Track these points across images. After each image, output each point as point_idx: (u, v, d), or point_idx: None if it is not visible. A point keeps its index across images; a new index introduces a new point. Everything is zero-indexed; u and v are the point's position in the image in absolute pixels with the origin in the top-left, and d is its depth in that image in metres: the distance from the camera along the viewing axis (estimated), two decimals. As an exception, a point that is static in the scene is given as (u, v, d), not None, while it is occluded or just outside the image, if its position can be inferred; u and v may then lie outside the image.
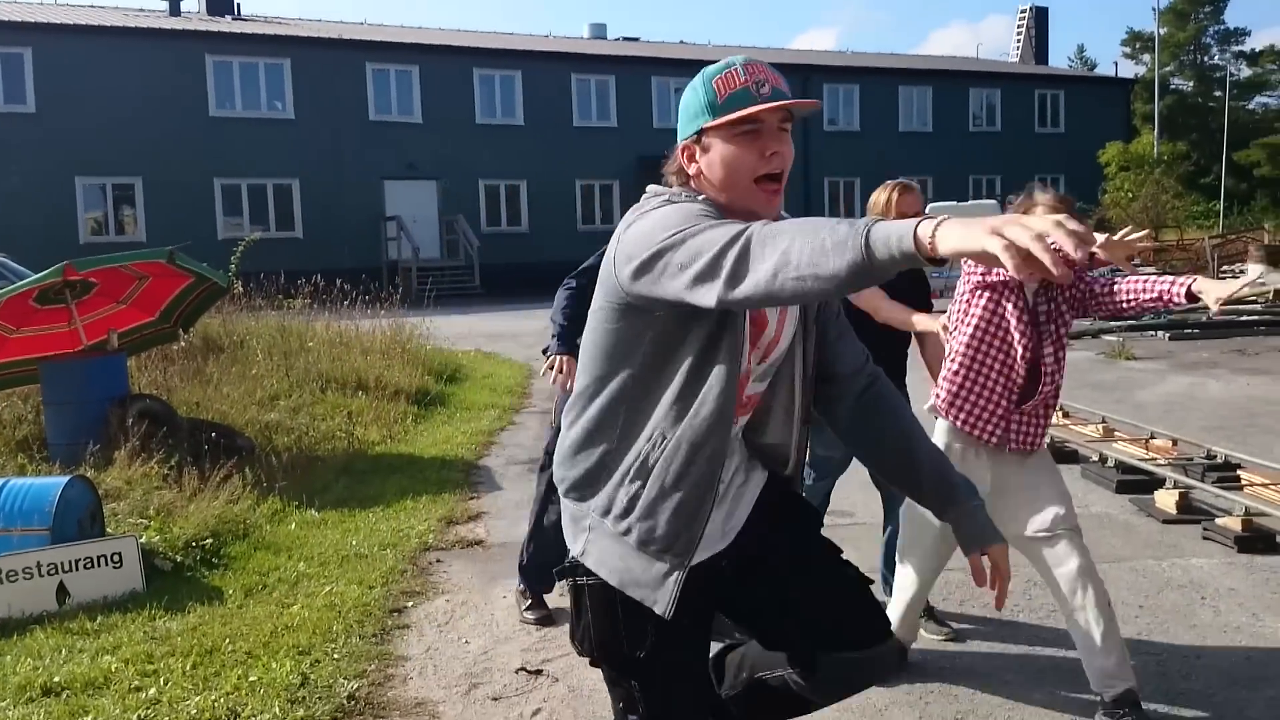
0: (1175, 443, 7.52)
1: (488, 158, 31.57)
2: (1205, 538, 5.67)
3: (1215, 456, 7.02)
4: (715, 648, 2.50)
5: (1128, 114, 44.75)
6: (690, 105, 2.15)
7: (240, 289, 12.18)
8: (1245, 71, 62.61)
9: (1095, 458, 7.38)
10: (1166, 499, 6.19)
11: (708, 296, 1.81)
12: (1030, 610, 4.68)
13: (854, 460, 4.38)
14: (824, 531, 2.47)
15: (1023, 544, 3.58)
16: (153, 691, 3.93)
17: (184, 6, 32.70)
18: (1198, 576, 5.10)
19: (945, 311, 3.86)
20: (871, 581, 2.43)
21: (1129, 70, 55.90)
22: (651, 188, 2.21)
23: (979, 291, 3.59)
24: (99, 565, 4.98)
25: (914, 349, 4.49)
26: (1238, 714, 3.67)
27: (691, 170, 2.15)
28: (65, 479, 5.47)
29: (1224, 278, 20.90)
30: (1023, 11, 47.01)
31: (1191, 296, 3.42)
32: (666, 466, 2.06)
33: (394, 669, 4.23)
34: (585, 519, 2.18)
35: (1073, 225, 1.53)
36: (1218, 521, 5.71)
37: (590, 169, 33.24)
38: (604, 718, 3.72)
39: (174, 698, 3.88)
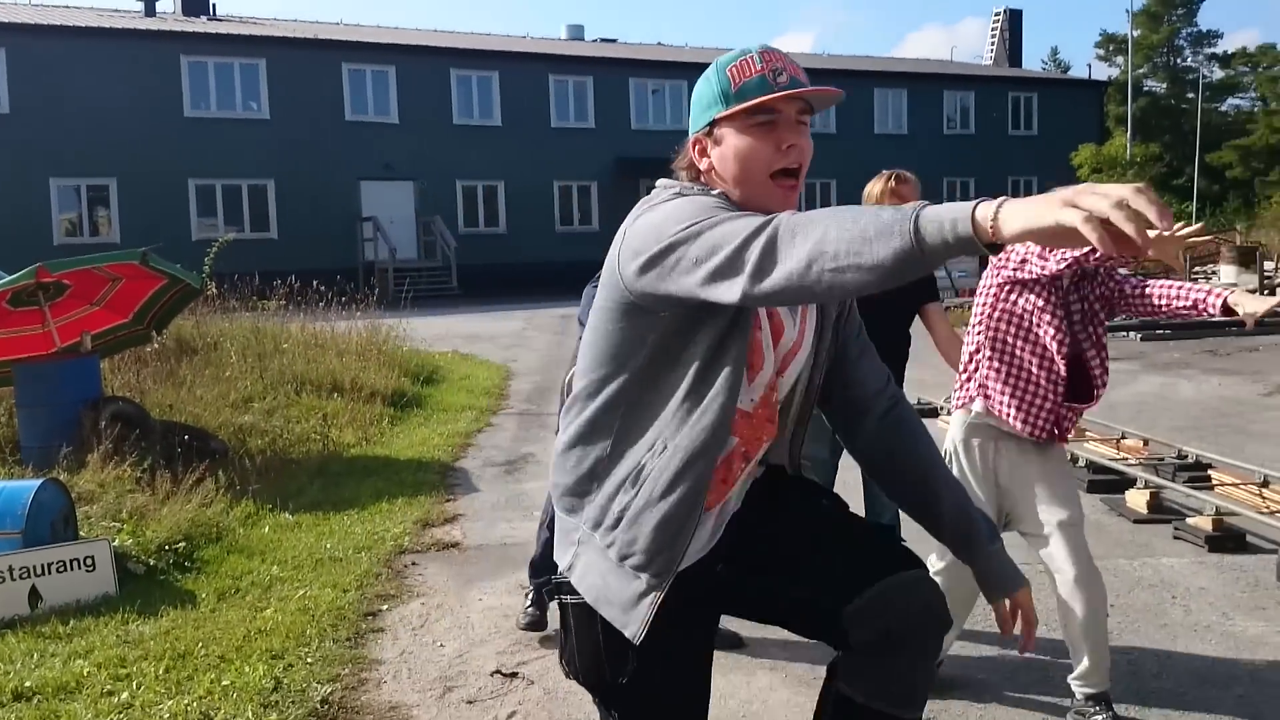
0: (1146, 443, 7.58)
1: (465, 158, 31.51)
2: (1176, 537, 5.72)
3: (1186, 456, 7.09)
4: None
5: (1101, 116, 45.03)
6: (702, 96, 2.01)
7: (214, 290, 12.12)
8: (1218, 73, 63.15)
9: (1067, 457, 7.44)
10: (1137, 499, 6.25)
11: (729, 292, 1.66)
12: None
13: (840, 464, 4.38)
14: None
15: (1032, 538, 3.61)
16: (125, 696, 3.91)
17: (159, 7, 32.54)
18: (1168, 576, 5.15)
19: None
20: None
21: (1102, 72, 56.32)
22: (662, 181, 2.06)
23: (1008, 287, 3.50)
24: (71, 569, 4.95)
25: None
26: (1208, 712, 3.71)
27: (703, 165, 2.01)
28: (38, 482, 5.44)
29: (1196, 279, 21.08)
30: (997, 14, 47.24)
31: (1228, 310, 3.40)
32: (659, 474, 1.90)
33: (368, 673, 4.22)
34: (575, 532, 2.03)
35: (1150, 194, 1.39)
36: (1188, 521, 5.77)
37: (568, 170, 33.23)
38: (578, 720, 3.74)
39: (146, 702, 3.87)
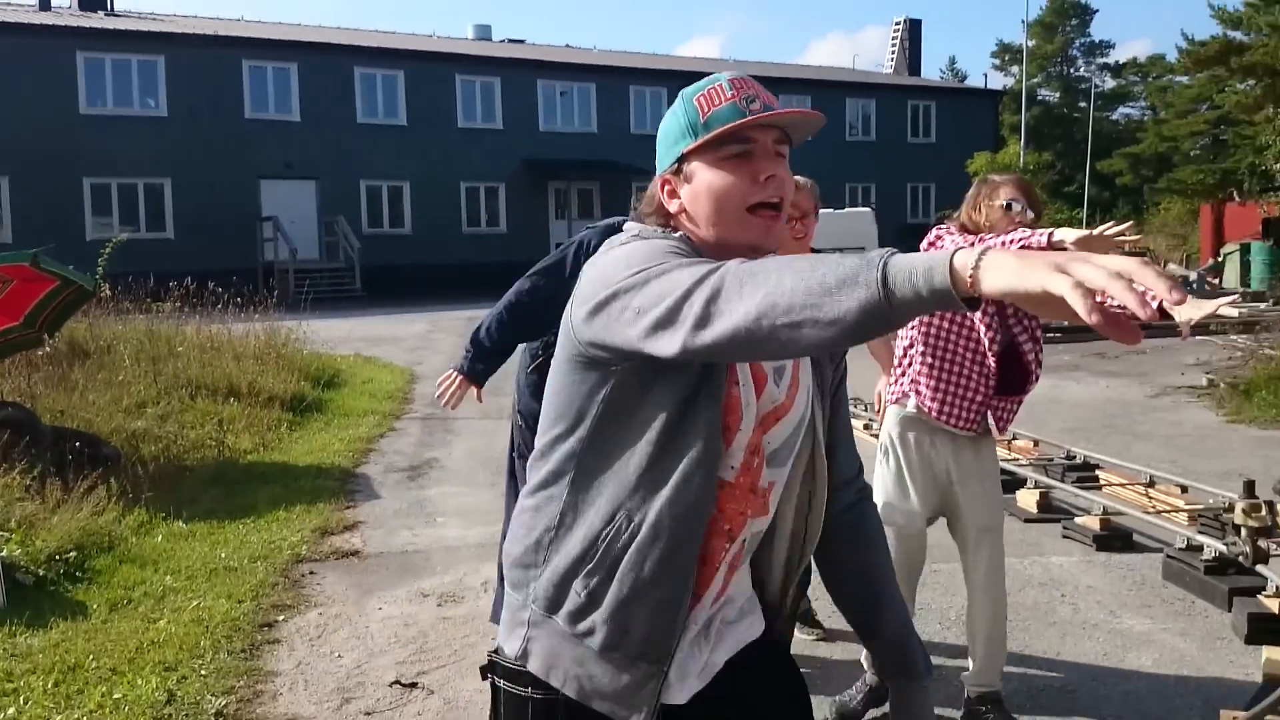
0: (1036, 444, 7.79)
1: (369, 158, 31.11)
2: (1065, 536, 5.89)
3: (1074, 457, 7.30)
4: None
5: (996, 124, 46.14)
6: (669, 131, 1.83)
7: (108, 292, 11.78)
8: (1109, 83, 65.05)
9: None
10: (1027, 498, 6.42)
11: (668, 344, 1.47)
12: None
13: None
14: None
15: (960, 531, 3.70)
16: (12, 711, 3.81)
17: (54, 1, 31.52)
18: (1058, 574, 5.30)
19: None
20: None
21: (998, 82, 57.54)
22: (628, 224, 1.87)
23: None
24: (-48, 582, 4.78)
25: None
26: (1096, 708, 3.84)
27: (673, 207, 1.80)
28: (-84, 492, 5.24)
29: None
30: (897, 23, 48.10)
31: (1164, 314, 3.47)
32: (640, 559, 1.69)
33: (263, 684, 4.15)
34: (524, 611, 1.80)
35: (1157, 268, 1.24)
36: (1077, 520, 5.94)
37: (475, 171, 33.01)
38: (478, 729, 3.72)
39: (34, 717, 3.77)
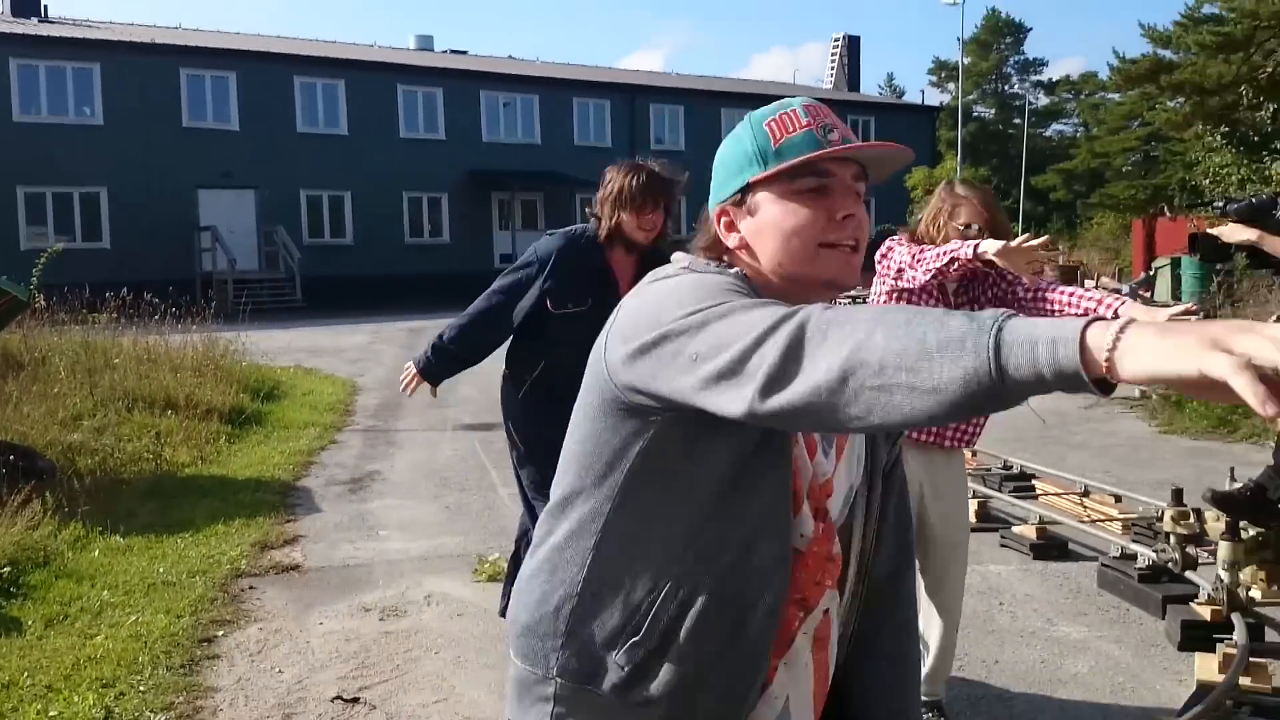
0: (974, 453, 7.90)
1: (310, 167, 30.88)
2: (1002, 545, 5.97)
3: (1011, 467, 7.42)
4: None
5: (933, 140, 46.83)
6: (732, 157, 1.60)
7: (43, 303, 11.57)
8: (1043, 100, 66.28)
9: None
10: (968, 510, 6.50)
11: (732, 403, 1.25)
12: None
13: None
14: None
15: (928, 544, 3.67)
16: (-61, 733, 3.72)
17: (-14, 7, 30.98)
18: (995, 583, 5.38)
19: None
20: None
21: (935, 98, 58.38)
22: (676, 255, 1.64)
23: (894, 296, 3.51)
24: (-121, 600, 4.67)
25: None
26: (1033, 714, 3.90)
27: (731, 241, 1.58)
28: None
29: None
30: (836, 39, 48.66)
31: None
32: (704, 630, 1.50)
33: (203, 700, 4.10)
34: (546, 685, 1.58)
35: None
36: (1014, 530, 6.03)
37: (418, 181, 32.87)
38: (422, 743, 3.70)
39: (-37, 739, 3.69)
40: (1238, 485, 4.41)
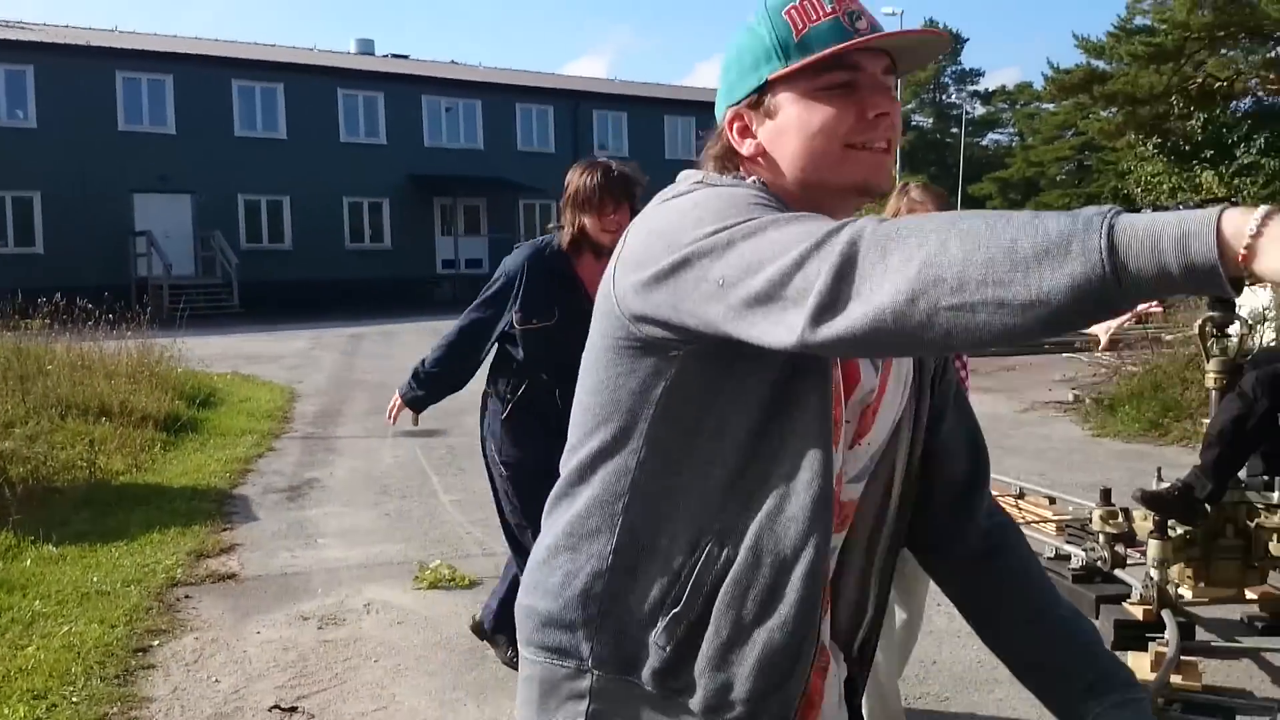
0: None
1: (248, 172, 30.56)
2: (940, 549, 6.04)
3: (950, 472, 7.50)
4: None
5: (876, 147, 47.31)
6: (745, 51, 1.38)
7: (-28, 308, 11.36)
8: (979, 109, 67.25)
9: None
10: (906, 514, 6.57)
11: (775, 332, 1.11)
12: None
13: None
14: None
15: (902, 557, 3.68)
16: None
17: (-86, 7, 30.29)
18: (933, 585, 5.43)
19: None
20: None
21: (876, 106, 58.83)
22: (684, 173, 1.45)
23: None
24: None
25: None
26: (970, 715, 3.96)
27: (747, 148, 1.40)
28: None
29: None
30: (781, 46, 49.01)
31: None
32: (742, 591, 1.32)
33: (138, 711, 4.04)
34: (581, 680, 1.39)
35: None
36: (951, 534, 6.10)
37: (358, 186, 32.64)
38: (361, 751, 3.68)
39: (-113, 754, 3.60)
40: (1165, 485, 4.51)
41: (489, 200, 34.96)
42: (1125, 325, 3.42)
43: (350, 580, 5.63)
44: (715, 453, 1.32)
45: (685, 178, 1.41)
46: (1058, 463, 8.56)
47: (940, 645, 4.62)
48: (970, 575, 1.58)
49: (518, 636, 1.48)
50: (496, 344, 4.12)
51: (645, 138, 37.68)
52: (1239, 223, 0.91)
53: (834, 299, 1.05)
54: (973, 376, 12.56)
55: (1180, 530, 4.46)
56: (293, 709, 4.06)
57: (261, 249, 31.05)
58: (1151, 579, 4.45)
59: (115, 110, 28.97)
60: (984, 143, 66.49)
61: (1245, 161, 20.97)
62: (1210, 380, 4.58)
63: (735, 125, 1.41)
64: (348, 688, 4.25)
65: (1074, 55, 44.46)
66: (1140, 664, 4.13)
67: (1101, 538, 4.83)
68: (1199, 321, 4.68)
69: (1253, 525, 4.45)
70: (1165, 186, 24.96)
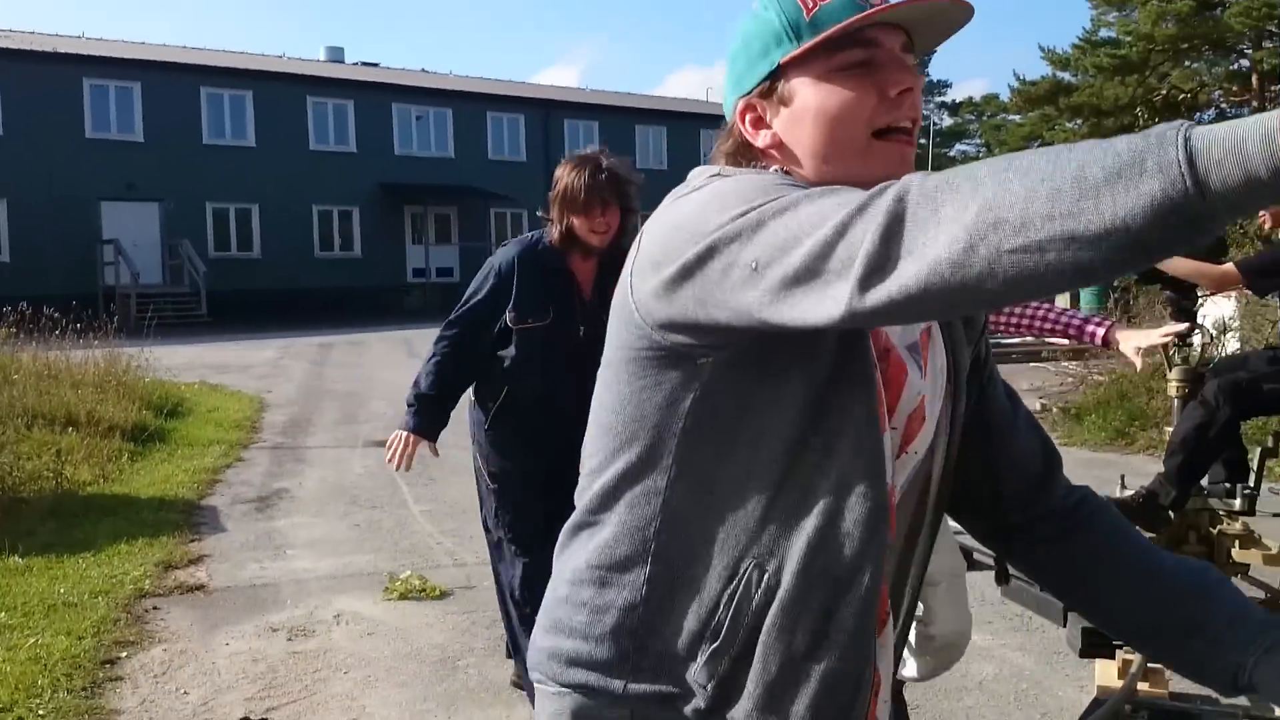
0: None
1: (216, 179, 30.39)
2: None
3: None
4: None
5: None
6: (753, 37, 1.29)
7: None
8: (947, 120, 67.73)
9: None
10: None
11: (820, 307, 1.01)
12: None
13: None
14: None
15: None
16: None
17: (-124, 11, 29.99)
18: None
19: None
20: None
21: (847, 116, 59.21)
22: (697, 169, 1.35)
23: None
24: None
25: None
26: (938, 723, 3.99)
27: (762, 140, 1.30)
28: None
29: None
30: (751, 57, 49.28)
31: (1107, 343, 3.31)
32: (791, 619, 1.20)
33: (105, 724, 4.01)
34: (613, 710, 1.28)
35: None
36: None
37: (328, 194, 32.52)
38: (331, 762, 3.67)
39: None
40: (1129, 492, 4.55)
41: (460, 209, 34.91)
42: (1162, 344, 3.36)
43: (320, 591, 5.61)
44: (752, 467, 1.21)
45: (699, 173, 1.31)
46: (1025, 471, 8.61)
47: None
48: (1065, 558, 1.46)
49: (535, 677, 1.36)
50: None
51: (616, 147, 36.39)
52: None
53: (883, 260, 0.96)
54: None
55: (1145, 536, 4.50)
56: (262, 721, 4.04)
57: (230, 257, 30.87)
58: (1117, 586, 4.49)
59: (83, 117, 28.76)
60: (951, 154, 66.85)
61: (1209, 173, 21.29)
62: (1173, 389, 4.64)
63: (747, 116, 1.32)
64: (317, 699, 4.23)
65: (1040, 67, 44.91)
66: (1108, 672, 4.17)
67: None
68: (1163, 329, 4.74)
69: (1215, 532, 4.50)
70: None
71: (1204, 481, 4.58)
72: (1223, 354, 5.52)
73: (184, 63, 31.26)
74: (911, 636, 2.19)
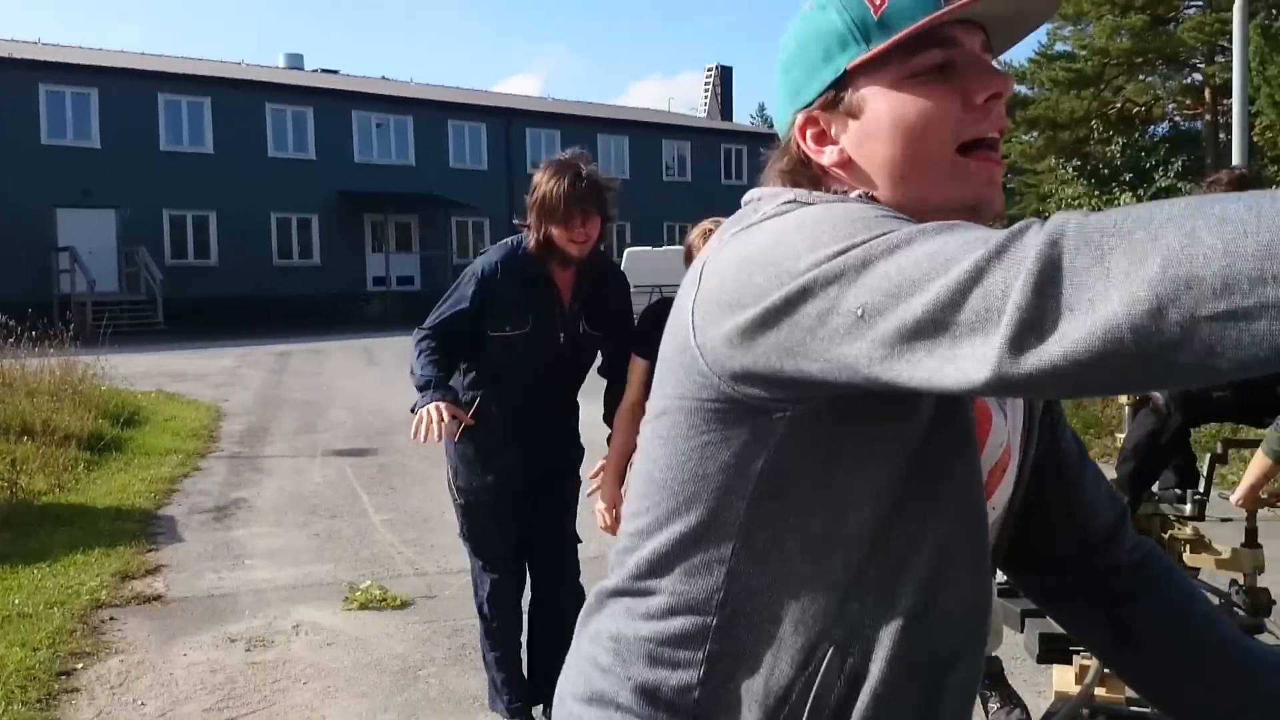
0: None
1: (173, 186, 30.12)
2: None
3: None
4: None
5: (807, 168, 47.99)
6: (812, 42, 1.12)
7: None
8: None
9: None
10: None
11: (957, 368, 0.84)
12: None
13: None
14: None
15: None
16: None
17: None
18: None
19: None
20: None
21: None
22: (754, 192, 1.16)
23: None
24: None
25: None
26: None
27: (827, 157, 1.13)
28: None
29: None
30: (710, 69, 49.53)
31: None
32: (887, 712, 1.04)
33: (61, 736, 3.97)
34: None
35: None
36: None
37: (287, 201, 32.31)
38: (291, 772, 3.65)
39: None
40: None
41: (420, 217, 34.80)
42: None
43: (279, 601, 5.58)
44: (833, 536, 1.04)
45: (768, 197, 1.10)
46: (983, 479, 8.71)
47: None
48: (1131, 624, 1.28)
49: None
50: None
51: (578, 156, 37.75)
52: None
53: (1039, 317, 0.78)
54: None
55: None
56: (221, 731, 4.02)
57: (187, 265, 30.60)
58: (1071, 592, 4.55)
59: (38, 124, 28.41)
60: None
61: (1163, 185, 21.54)
62: (1124, 397, 4.72)
63: (809, 132, 1.14)
64: (276, 710, 4.21)
65: (998, 79, 45.43)
66: (1065, 677, 4.22)
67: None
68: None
69: (1166, 536, 4.57)
70: (1085, 209, 25.58)
71: (1155, 487, 4.67)
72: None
73: (141, 69, 31.01)
74: None
